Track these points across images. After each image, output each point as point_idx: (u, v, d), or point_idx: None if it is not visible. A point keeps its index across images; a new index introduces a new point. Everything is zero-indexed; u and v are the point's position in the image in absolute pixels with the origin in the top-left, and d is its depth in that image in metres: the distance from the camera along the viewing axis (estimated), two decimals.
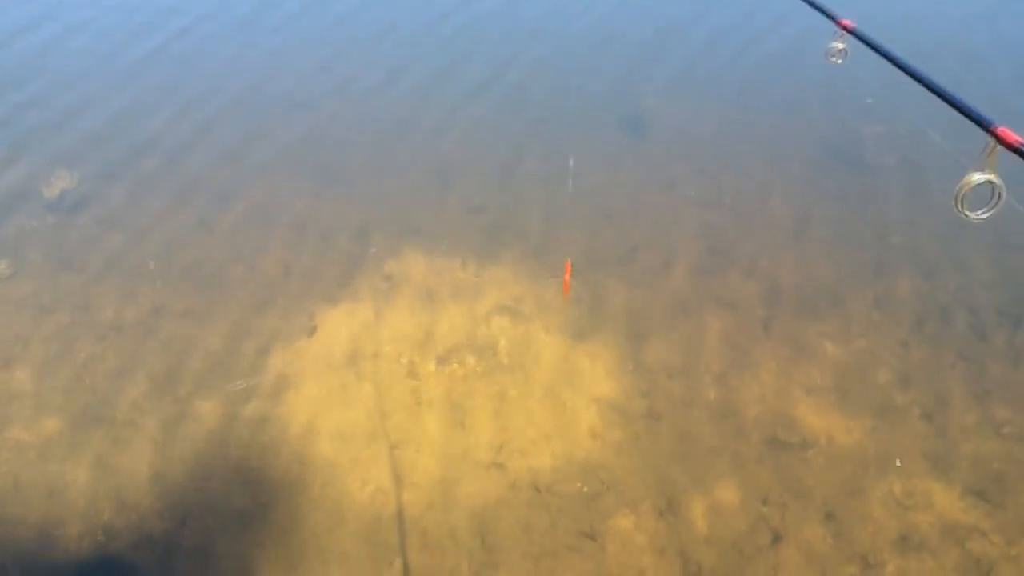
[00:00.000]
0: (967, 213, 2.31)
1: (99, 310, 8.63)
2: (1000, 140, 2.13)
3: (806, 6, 3.78)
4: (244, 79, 13.22)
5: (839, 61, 3.27)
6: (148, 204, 10.23)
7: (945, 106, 2.65)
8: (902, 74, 2.95)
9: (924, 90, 2.86)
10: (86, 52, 14.04)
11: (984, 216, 2.30)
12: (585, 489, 6.81)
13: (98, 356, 8.08)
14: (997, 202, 2.17)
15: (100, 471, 7.00)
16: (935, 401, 7.55)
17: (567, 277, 7.92)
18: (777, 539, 6.43)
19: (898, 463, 6.94)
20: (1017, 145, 2.09)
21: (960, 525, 6.53)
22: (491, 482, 6.87)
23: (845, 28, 3.21)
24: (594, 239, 9.66)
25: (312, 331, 8.39)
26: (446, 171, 10.96)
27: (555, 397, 7.65)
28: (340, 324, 8.48)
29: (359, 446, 7.20)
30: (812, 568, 6.25)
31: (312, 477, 6.93)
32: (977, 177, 2.16)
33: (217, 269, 9.21)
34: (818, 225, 9.84)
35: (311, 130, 11.91)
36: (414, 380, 7.85)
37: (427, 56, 13.91)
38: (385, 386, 7.79)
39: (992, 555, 6.30)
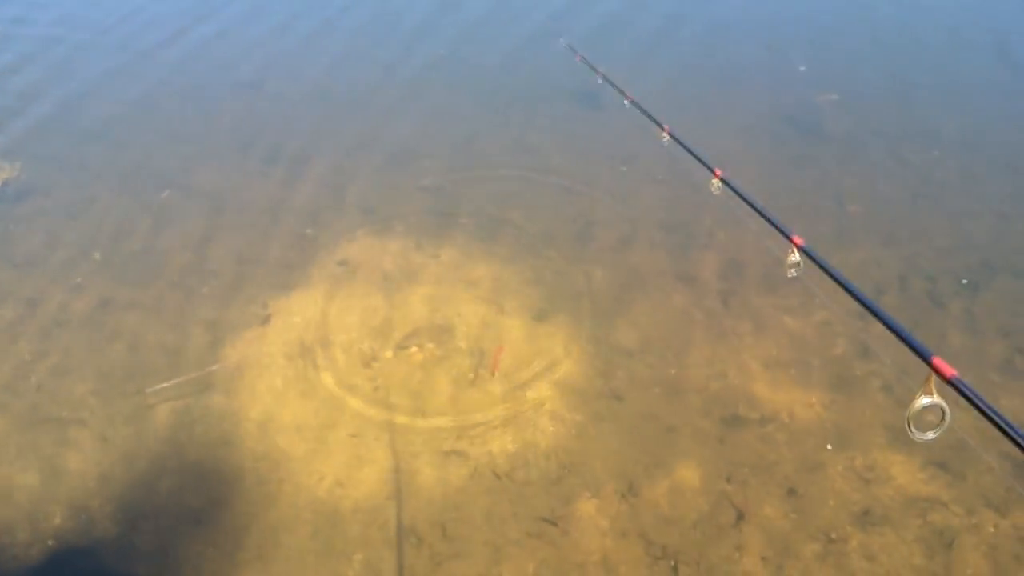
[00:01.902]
0: (917, 436, 2.46)
1: (44, 304, 8.41)
2: (936, 372, 2.39)
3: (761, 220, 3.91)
4: (189, 62, 12.92)
5: (795, 274, 3.40)
6: (93, 193, 9.99)
7: None
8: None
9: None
10: (26, 39, 13.65)
11: (932, 437, 2.47)
12: (546, 473, 6.73)
13: (43, 352, 7.87)
14: (943, 420, 2.39)
15: (48, 473, 6.81)
16: (895, 372, 7.53)
17: (499, 357, 7.73)
18: (740, 517, 6.38)
19: (829, 447, 6.88)
20: (950, 378, 2.33)
21: (921, 497, 6.52)
22: (451, 470, 6.77)
23: (797, 246, 3.34)
24: (551, 216, 9.55)
25: (266, 320, 8.23)
26: (399, 151, 10.78)
27: (515, 380, 7.54)
28: (294, 312, 8.32)
29: (316, 438, 7.06)
30: (776, 545, 6.21)
31: (268, 472, 6.78)
32: (924, 401, 2.39)
33: (166, 258, 9.00)
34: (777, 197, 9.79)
35: (259, 112, 11.68)
36: (372, 367, 7.71)
37: (379, 35, 13.66)
38: (342, 374, 7.64)
39: (954, 526, 6.30)
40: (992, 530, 6.27)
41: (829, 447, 6.84)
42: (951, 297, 8.32)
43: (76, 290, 8.56)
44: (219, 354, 7.84)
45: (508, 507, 6.47)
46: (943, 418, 2.49)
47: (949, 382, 2.36)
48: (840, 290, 3.14)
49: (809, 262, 3.42)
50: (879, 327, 7.63)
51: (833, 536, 6.25)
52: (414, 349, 7.88)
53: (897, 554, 6.09)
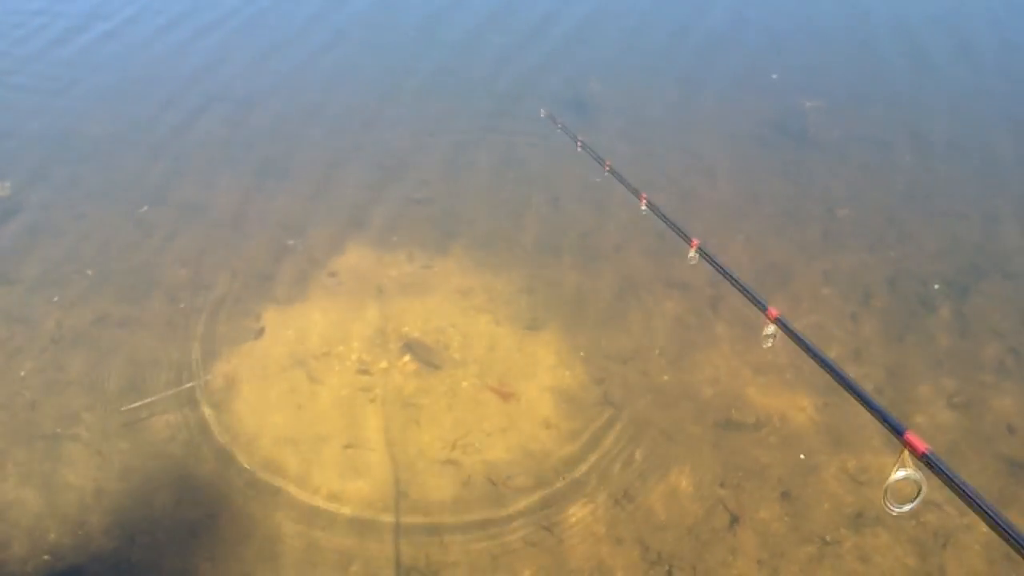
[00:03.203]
0: (894, 509, 2.54)
1: (38, 322, 8.41)
2: (909, 447, 2.39)
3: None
4: (177, 76, 12.96)
5: (771, 344, 3.51)
6: (85, 210, 10.00)
7: None
8: None
9: None
10: (8, 56, 13.69)
11: (909, 509, 2.54)
12: (541, 480, 6.76)
13: (38, 370, 7.87)
14: (919, 494, 2.41)
15: (44, 489, 6.80)
16: (886, 374, 7.58)
17: (502, 390, 7.73)
18: (735, 521, 6.41)
19: (802, 456, 6.91)
20: (923, 453, 2.34)
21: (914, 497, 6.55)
22: (446, 479, 6.78)
23: (772, 318, 3.40)
24: (543, 226, 9.60)
25: (259, 333, 8.24)
26: (389, 162, 10.82)
27: (509, 389, 7.57)
28: (287, 324, 8.34)
29: (311, 450, 7.08)
30: (770, 549, 6.24)
31: (263, 484, 6.79)
32: (899, 474, 2.39)
33: (159, 273, 9.02)
34: (765, 202, 9.86)
35: (248, 125, 11.71)
36: (365, 378, 7.73)
37: (369, 48, 13.72)
38: (335, 386, 7.66)
39: (948, 526, 6.33)
40: (986, 530, 6.27)
41: (802, 456, 6.86)
42: (941, 300, 8.37)
43: (70, 307, 8.56)
44: (213, 368, 7.85)
45: (504, 515, 6.49)
46: (919, 490, 2.54)
47: (921, 458, 2.39)
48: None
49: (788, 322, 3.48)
50: (869, 326, 7.68)
51: (827, 538, 6.28)
52: (408, 359, 7.90)
53: (891, 555, 6.12)
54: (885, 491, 2.55)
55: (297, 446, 7.11)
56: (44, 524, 6.53)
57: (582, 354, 7.92)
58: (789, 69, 12.57)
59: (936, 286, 8.52)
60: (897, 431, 2.54)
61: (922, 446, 2.42)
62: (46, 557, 6.28)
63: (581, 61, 13.18)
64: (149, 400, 7.51)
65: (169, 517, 6.57)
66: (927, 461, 2.42)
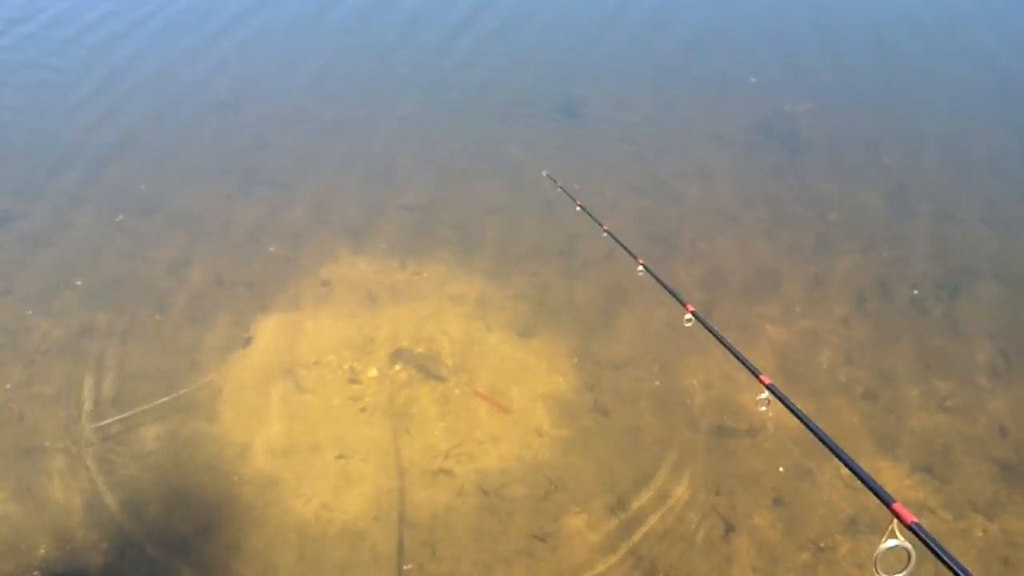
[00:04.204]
0: None
1: (25, 333, 8.33)
2: (898, 517, 2.35)
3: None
4: (166, 82, 12.88)
5: (765, 408, 3.46)
6: (72, 219, 9.92)
7: None
8: None
9: None
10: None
11: None
12: (534, 489, 6.71)
13: (25, 382, 7.80)
14: (909, 562, 2.34)
15: (32, 503, 6.73)
16: (879, 378, 7.57)
17: (491, 400, 7.65)
18: (729, 529, 6.38)
19: (781, 469, 6.87)
20: (910, 524, 2.30)
21: (909, 503, 6.53)
22: (439, 489, 6.74)
23: (765, 384, 3.36)
24: (533, 231, 9.55)
25: (248, 342, 8.18)
26: (379, 169, 10.77)
27: (501, 396, 7.53)
28: (277, 333, 8.28)
29: (302, 460, 7.02)
30: (765, 556, 6.22)
31: (253, 496, 6.73)
32: (889, 543, 2.35)
33: (147, 282, 8.95)
34: (756, 205, 9.84)
35: (238, 132, 11.64)
36: (356, 387, 7.68)
37: (358, 53, 13.67)
38: (326, 395, 7.61)
39: (942, 531, 6.31)
40: (981, 534, 6.29)
41: (781, 469, 6.83)
42: (932, 302, 8.36)
43: (57, 317, 8.49)
44: (201, 378, 7.78)
45: (497, 525, 6.45)
46: (909, 559, 2.57)
47: (910, 528, 2.33)
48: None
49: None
50: (861, 330, 7.65)
51: (822, 544, 6.26)
52: (398, 368, 7.85)
53: None
54: (875, 561, 2.61)
55: (287, 456, 7.05)
56: (33, 540, 6.45)
57: (574, 360, 7.88)
58: (766, 72, 12.53)
59: (926, 289, 8.51)
60: (886, 501, 2.60)
61: (910, 516, 2.34)
62: (36, 573, 6.21)
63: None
64: (137, 411, 7.44)
65: (159, 530, 6.51)
66: (915, 532, 2.45)
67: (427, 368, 7.82)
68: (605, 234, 6.12)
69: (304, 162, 10.95)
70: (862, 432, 7.08)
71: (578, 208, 6.71)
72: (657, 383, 7.63)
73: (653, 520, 6.44)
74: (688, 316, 4.30)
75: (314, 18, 14.83)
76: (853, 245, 9.11)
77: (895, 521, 2.59)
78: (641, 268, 5.41)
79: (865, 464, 6.28)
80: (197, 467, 6.99)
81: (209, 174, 10.76)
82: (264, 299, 8.69)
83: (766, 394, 3.56)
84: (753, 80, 12.31)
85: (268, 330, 8.31)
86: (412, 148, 11.18)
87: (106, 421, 7.37)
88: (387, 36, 14.11)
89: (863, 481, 2.88)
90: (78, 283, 8.92)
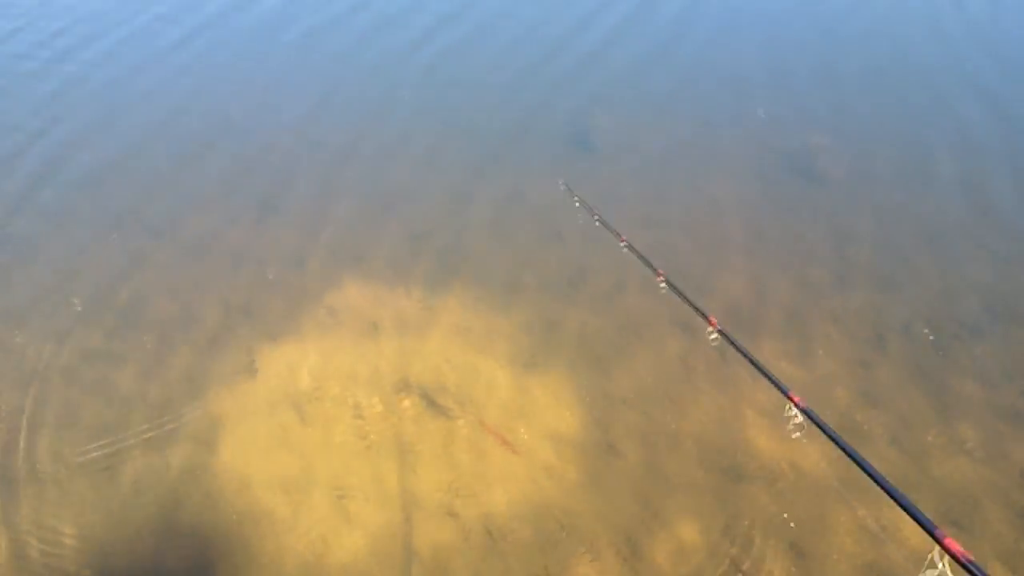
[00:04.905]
0: None
1: (23, 357, 8.14)
2: (947, 551, 2.29)
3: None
4: (174, 106, 12.75)
5: (798, 435, 3.40)
6: (75, 241, 9.76)
7: None
8: None
9: None
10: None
11: None
12: (541, 532, 6.47)
13: (19, 409, 7.59)
14: None
15: (23, 534, 6.52)
16: (899, 421, 7.32)
17: (497, 434, 7.43)
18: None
19: (785, 515, 6.62)
20: (961, 558, 2.21)
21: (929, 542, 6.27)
22: (442, 529, 6.51)
23: (796, 404, 3.31)
24: (543, 262, 9.34)
25: (252, 371, 7.98)
26: (387, 197, 10.58)
27: (509, 433, 7.31)
28: (281, 362, 8.08)
29: (301, 495, 6.80)
30: None
31: (250, 530, 6.51)
32: (929, 574, 2.29)
33: (149, 308, 8.77)
34: (771, 240, 9.62)
35: (247, 158, 11.47)
36: (360, 421, 7.47)
37: (363, 81, 13.51)
38: (329, 429, 7.40)
39: None
40: None
41: (785, 515, 6.59)
42: (953, 343, 8.12)
43: (56, 342, 8.31)
44: (202, 408, 7.58)
45: (502, 568, 6.21)
46: None
47: (960, 562, 2.27)
48: None
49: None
50: (880, 371, 7.38)
51: None
52: (404, 401, 7.64)
53: None
54: None
55: (286, 490, 6.83)
56: (25, 572, 6.23)
57: (583, 395, 7.66)
58: (772, 105, 12.32)
59: (948, 329, 8.27)
60: (933, 533, 2.45)
61: (959, 549, 2.32)
62: None
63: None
64: (130, 441, 7.24)
65: (153, 564, 6.29)
66: (967, 568, 2.25)
67: (433, 402, 7.61)
68: (624, 247, 5.89)
69: (311, 189, 10.77)
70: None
71: (596, 223, 6.50)
72: (669, 422, 7.40)
73: (665, 567, 6.20)
74: (712, 331, 4.05)
75: (318, 39, 14.67)
76: (871, 283, 8.89)
77: (937, 551, 2.44)
78: (663, 282, 5.14)
79: (887, 512, 6.00)
80: (192, 500, 6.77)
81: (216, 200, 10.59)
82: (269, 327, 8.50)
83: (796, 414, 3.33)
84: (761, 113, 12.10)
85: (273, 359, 8.12)
86: (421, 176, 11.00)
87: (98, 449, 7.17)
88: (393, 66, 13.96)
89: (907, 510, 2.65)
90: (78, 307, 8.75)
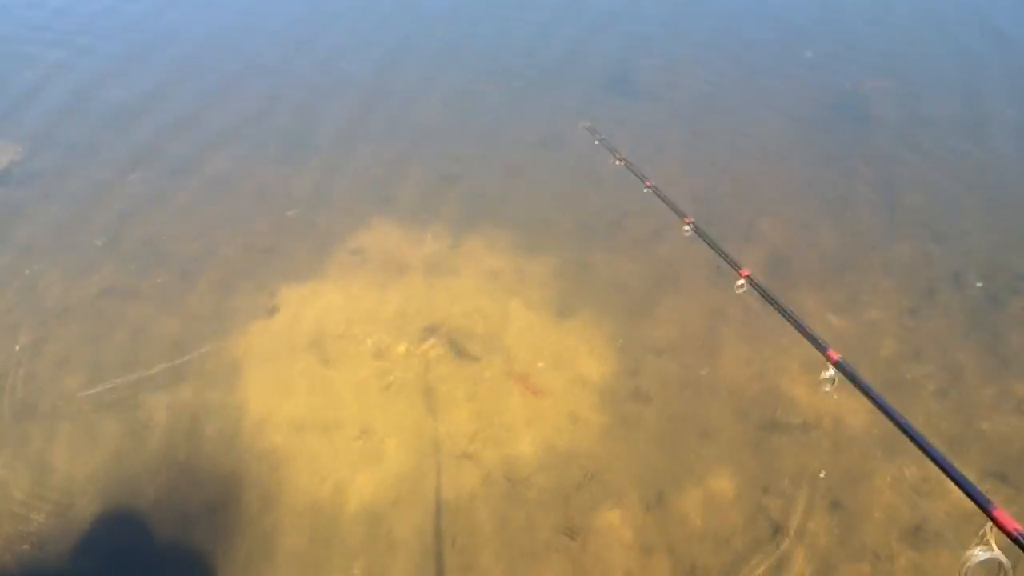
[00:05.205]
0: None
1: (42, 292, 7.99)
2: (998, 525, 2.06)
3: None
4: (206, 45, 12.52)
5: (829, 388, 3.10)
6: (99, 177, 9.61)
7: None
8: None
9: None
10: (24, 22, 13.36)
11: None
12: (565, 480, 6.18)
13: (38, 342, 7.44)
14: None
15: (32, 470, 6.35)
16: (949, 375, 6.92)
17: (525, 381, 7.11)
18: (778, 532, 5.80)
19: (822, 475, 6.22)
20: (1015, 534, 1.98)
21: (979, 512, 5.89)
22: (463, 474, 6.24)
23: (833, 361, 3.05)
24: (579, 207, 9.00)
25: (272, 311, 7.75)
26: (419, 137, 10.28)
27: (536, 379, 7.01)
28: (303, 303, 7.84)
29: (319, 437, 6.57)
30: (817, 563, 5.63)
31: (266, 472, 6.29)
32: (980, 554, 2.07)
33: (171, 245, 8.58)
34: (818, 186, 9.18)
35: (275, 94, 11.23)
36: (382, 363, 7.21)
37: (398, 17, 13.18)
38: (350, 370, 7.15)
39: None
40: None
41: (822, 475, 6.20)
42: (1008, 295, 7.67)
43: (76, 277, 8.15)
44: (221, 346, 7.37)
45: (523, 517, 5.93)
46: (1003, 574, 2.08)
47: (1014, 539, 2.00)
48: None
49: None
50: (931, 323, 6.95)
51: (881, 554, 5.66)
52: (429, 344, 7.37)
53: None
54: (962, 571, 2.14)
55: (304, 432, 6.60)
56: (32, 506, 6.07)
57: (617, 343, 7.34)
58: (821, 47, 11.80)
59: (1002, 280, 7.82)
60: (984, 506, 2.18)
61: (1013, 524, 2.05)
62: (25, 546, 5.82)
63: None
64: (142, 375, 7.05)
65: (164, 505, 6.09)
66: (1020, 543, 1.96)
67: (459, 346, 7.34)
68: (649, 190, 5.48)
69: (340, 127, 10.50)
70: (929, 433, 6.40)
71: (619, 163, 6.09)
72: (704, 372, 7.06)
73: (694, 519, 5.88)
74: (741, 282, 3.70)
75: None
76: (922, 232, 8.44)
77: (989, 527, 2.15)
78: (688, 228, 4.74)
79: (931, 468, 5.59)
80: (208, 439, 6.56)
81: (244, 138, 10.36)
82: (292, 267, 8.27)
83: (832, 372, 3.03)
84: (809, 55, 11.58)
85: (294, 300, 7.89)
86: (453, 117, 10.69)
87: (113, 386, 7.00)
88: (428, 5, 13.60)
89: (954, 479, 2.37)
90: (99, 243, 8.57)
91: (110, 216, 8.98)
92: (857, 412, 6.57)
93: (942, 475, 5.80)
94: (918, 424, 6.25)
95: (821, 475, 6.14)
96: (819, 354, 3.07)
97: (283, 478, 6.24)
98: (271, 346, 7.39)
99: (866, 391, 2.74)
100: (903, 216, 8.69)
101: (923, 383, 6.83)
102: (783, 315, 3.22)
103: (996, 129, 10.01)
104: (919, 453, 5.98)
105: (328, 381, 7.05)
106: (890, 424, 6.19)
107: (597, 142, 7.07)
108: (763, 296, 3.51)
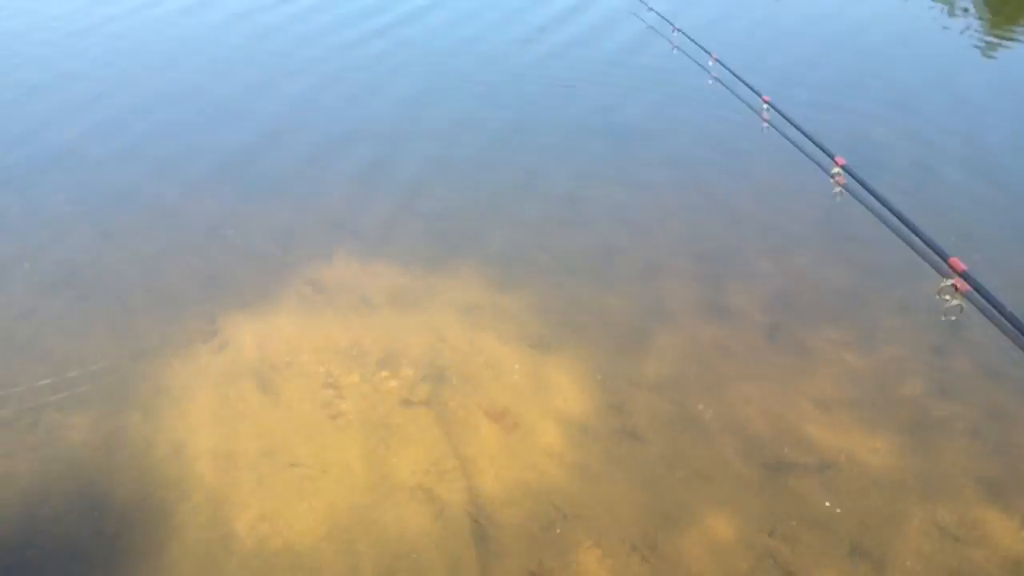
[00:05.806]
0: None
1: None
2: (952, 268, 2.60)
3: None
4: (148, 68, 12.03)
5: (838, 190, 3.20)
6: (39, 205, 8.84)
7: None
8: None
9: None
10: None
11: None
12: (534, 518, 5.18)
13: None
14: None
15: None
16: (982, 414, 5.99)
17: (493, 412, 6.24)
18: None
19: (829, 505, 5.27)
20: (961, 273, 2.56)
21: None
22: (413, 510, 5.24)
23: (840, 165, 3.23)
24: (564, 244, 8.20)
25: (210, 336, 6.86)
26: (386, 167, 9.59)
27: (505, 412, 6.07)
28: (246, 330, 6.94)
29: (247, 467, 5.58)
30: None
31: (178, 503, 5.29)
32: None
33: (104, 272, 7.75)
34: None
35: (229, 122, 10.63)
36: (331, 392, 6.28)
37: (359, 50, 12.70)
38: (293, 399, 6.21)
39: None
40: None
41: (834, 507, 5.23)
42: None
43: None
44: (143, 371, 6.46)
45: (480, 558, 4.92)
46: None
47: (962, 276, 2.28)
48: None
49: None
50: (957, 359, 5.95)
51: None
52: (385, 375, 6.45)
53: None
54: None
55: (230, 460, 5.63)
56: None
57: (598, 378, 6.42)
58: None
59: None
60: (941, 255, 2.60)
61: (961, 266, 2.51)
62: None
63: None
64: (51, 399, 6.12)
65: (54, 534, 5.09)
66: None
67: (419, 377, 6.42)
68: (676, 33, 5.12)
69: (301, 158, 9.84)
70: (960, 475, 5.48)
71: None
72: (700, 408, 6.12)
73: (689, 564, 4.88)
74: (766, 106, 3.95)
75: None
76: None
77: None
78: (712, 62, 4.66)
79: (968, 512, 4.52)
80: (113, 466, 5.59)
81: (195, 164, 9.70)
82: (240, 296, 7.41)
83: (838, 171, 3.26)
84: None
85: (237, 327, 6.99)
86: (426, 145, 10.08)
87: (17, 408, 6.05)
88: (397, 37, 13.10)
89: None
90: (26, 266, 7.74)
91: (42, 241, 8.18)
92: (878, 451, 5.63)
93: (978, 517, 4.74)
94: (946, 464, 5.28)
95: (828, 504, 5.16)
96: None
97: (198, 508, 5.26)
98: (204, 373, 6.48)
99: (866, 187, 2.86)
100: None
101: (953, 422, 5.90)
102: (801, 132, 2.91)
103: None
104: (953, 489, 4.93)
105: (265, 408, 6.12)
106: (921, 455, 5.14)
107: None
108: (785, 117, 3.29)
